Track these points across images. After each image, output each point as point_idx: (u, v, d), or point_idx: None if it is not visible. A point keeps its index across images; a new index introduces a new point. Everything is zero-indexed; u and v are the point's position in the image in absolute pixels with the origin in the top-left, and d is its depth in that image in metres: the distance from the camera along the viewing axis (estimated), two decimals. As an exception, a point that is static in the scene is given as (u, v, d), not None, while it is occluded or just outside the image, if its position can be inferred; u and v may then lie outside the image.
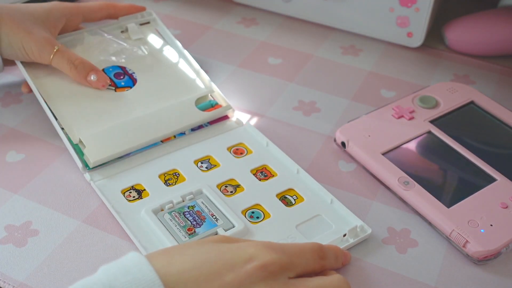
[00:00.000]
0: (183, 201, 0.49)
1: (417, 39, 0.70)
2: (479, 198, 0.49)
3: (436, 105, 0.59)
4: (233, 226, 0.46)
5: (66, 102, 0.55)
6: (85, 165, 0.51)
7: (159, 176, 0.52)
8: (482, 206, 0.48)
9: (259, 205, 0.49)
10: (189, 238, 0.45)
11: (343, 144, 0.55)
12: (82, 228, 0.47)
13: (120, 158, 0.53)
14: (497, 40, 0.69)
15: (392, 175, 0.51)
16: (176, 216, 0.47)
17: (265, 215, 0.48)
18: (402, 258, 0.46)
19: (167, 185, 0.51)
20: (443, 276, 0.45)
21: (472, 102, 0.60)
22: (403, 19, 0.69)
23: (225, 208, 0.48)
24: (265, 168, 0.53)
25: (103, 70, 0.59)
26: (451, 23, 0.72)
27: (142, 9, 0.65)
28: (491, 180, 0.51)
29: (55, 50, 0.55)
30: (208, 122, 0.57)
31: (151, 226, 0.46)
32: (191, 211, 0.48)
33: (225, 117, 0.58)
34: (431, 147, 0.55)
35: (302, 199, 0.50)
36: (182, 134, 0.56)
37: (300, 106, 0.62)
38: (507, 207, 0.48)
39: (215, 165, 0.53)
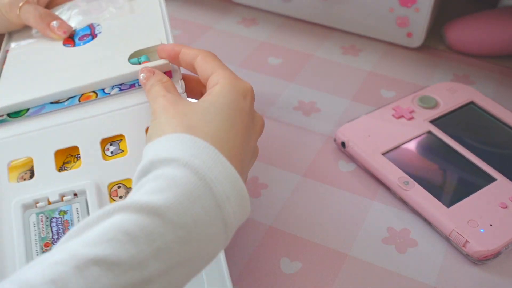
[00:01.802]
0: (61, 200, 0.40)
1: (417, 39, 0.70)
2: (479, 198, 0.49)
3: (436, 105, 0.59)
4: None
5: (17, 65, 0.50)
6: None
7: (56, 153, 0.42)
8: (481, 206, 0.48)
9: None
10: (40, 254, 0.38)
11: (343, 144, 0.55)
12: None
13: (28, 112, 0.44)
14: (497, 40, 0.69)
15: (392, 175, 0.51)
16: (42, 220, 0.40)
17: None
18: (402, 258, 0.46)
19: (61, 170, 0.42)
20: (443, 276, 0.45)
21: (472, 102, 0.60)
22: (403, 19, 0.69)
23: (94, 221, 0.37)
24: None
25: (73, 35, 0.53)
26: (451, 23, 0.72)
27: None
28: (491, 180, 0.51)
29: (21, 4, 0.52)
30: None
31: (10, 225, 0.39)
32: (59, 219, 0.40)
33: (168, 73, 0.46)
34: (431, 147, 0.55)
35: None
36: (107, 94, 0.44)
37: (300, 106, 0.62)
38: (506, 207, 0.48)
39: (123, 152, 0.42)
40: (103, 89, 0.44)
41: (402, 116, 0.57)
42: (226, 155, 0.37)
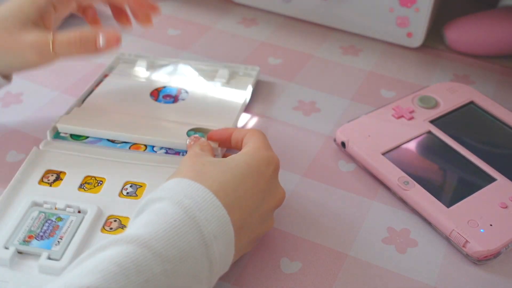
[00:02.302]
0: (65, 209, 0.47)
1: (417, 39, 0.70)
2: (479, 198, 0.49)
3: (436, 105, 0.59)
4: (58, 260, 0.43)
5: (105, 94, 0.60)
6: (54, 135, 0.54)
7: (85, 177, 0.51)
8: (481, 206, 0.48)
9: None
10: (20, 244, 0.44)
11: (343, 144, 0.55)
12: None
13: (84, 142, 0.54)
14: (497, 40, 0.69)
15: (392, 175, 0.51)
16: (40, 218, 0.46)
17: None
18: (402, 258, 0.46)
19: (80, 188, 0.49)
20: (443, 276, 0.45)
21: (472, 102, 0.60)
22: (403, 19, 0.69)
23: (77, 244, 0.44)
24: None
25: (160, 90, 0.61)
26: (451, 23, 0.72)
27: (155, 9, 0.56)
28: (491, 180, 0.51)
29: (50, 42, 0.48)
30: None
31: (14, 212, 0.46)
32: (53, 222, 0.46)
33: None
34: (431, 147, 0.55)
35: None
36: (153, 151, 0.53)
37: (300, 106, 0.62)
38: (506, 207, 0.48)
39: (137, 196, 0.49)
40: (152, 147, 0.53)
41: (402, 116, 0.57)
42: (226, 203, 0.38)
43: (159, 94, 0.61)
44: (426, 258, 0.46)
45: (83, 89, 0.61)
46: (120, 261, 0.33)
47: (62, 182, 0.50)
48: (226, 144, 0.50)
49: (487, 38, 0.69)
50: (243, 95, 0.61)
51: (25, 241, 0.44)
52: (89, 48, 0.49)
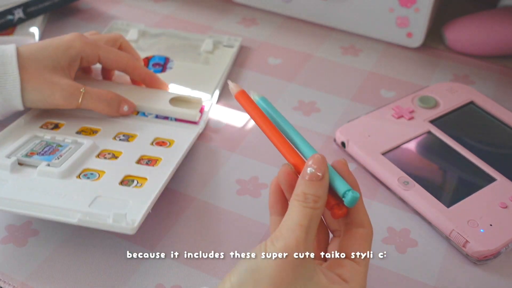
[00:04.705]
0: (63, 140, 0.52)
1: (417, 39, 0.70)
2: (479, 198, 0.49)
3: (435, 105, 0.59)
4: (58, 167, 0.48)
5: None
6: None
7: (81, 127, 0.55)
8: (481, 206, 0.48)
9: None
10: (22, 157, 0.49)
11: (343, 144, 0.55)
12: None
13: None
14: (497, 40, 0.69)
15: (391, 175, 0.51)
16: (42, 144, 0.51)
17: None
18: (402, 258, 0.46)
19: (76, 134, 0.54)
20: (443, 276, 0.45)
21: (471, 102, 0.60)
22: (403, 19, 0.69)
23: (74, 160, 0.49)
24: (156, 160, 0.51)
25: (150, 58, 0.66)
26: (451, 23, 0.72)
27: (164, 86, 0.61)
28: (491, 180, 0.51)
29: (82, 93, 0.54)
30: (175, 119, 0.57)
31: (16, 142, 0.51)
32: (53, 147, 0.51)
33: (194, 122, 0.57)
34: (431, 147, 0.55)
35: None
36: (145, 116, 0.58)
37: (300, 106, 0.62)
38: (506, 207, 0.48)
39: (129, 141, 0.54)
40: (144, 112, 0.58)
41: (402, 116, 0.57)
42: None
43: (149, 62, 0.66)
44: (426, 258, 0.46)
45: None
46: None
47: (60, 129, 0.55)
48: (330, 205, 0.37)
49: (487, 38, 0.69)
50: (225, 63, 0.66)
51: (27, 155, 0.50)
52: (113, 109, 0.56)
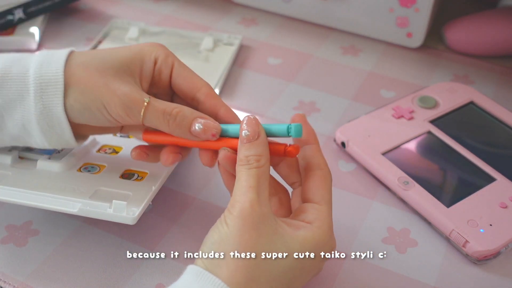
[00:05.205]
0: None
1: (417, 39, 0.70)
2: (479, 198, 0.49)
3: (435, 105, 0.59)
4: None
5: None
6: None
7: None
8: (481, 206, 0.48)
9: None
10: (23, 151, 0.50)
11: (343, 144, 0.55)
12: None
13: None
14: (497, 40, 0.69)
15: (392, 175, 0.51)
16: None
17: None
18: (402, 258, 0.46)
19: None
20: (443, 276, 0.45)
21: (471, 102, 0.60)
22: (403, 19, 0.69)
23: (75, 154, 0.50)
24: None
25: None
26: (451, 23, 0.72)
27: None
28: (491, 180, 0.51)
29: (145, 104, 0.41)
30: None
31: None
32: None
33: None
34: (431, 147, 0.55)
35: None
36: None
37: (300, 106, 0.62)
38: (506, 207, 0.48)
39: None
40: None
41: (402, 116, 0.57)
42: None
43: None
44: (426, 258, 0.46)
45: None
46: None
47: None
48: (279, 152, 0.40)
49: (487, 38, 0.69)
50: (225, 61, 0.67)
51: (28, 149, 0.50)
52: (183, 127, 0.41)
